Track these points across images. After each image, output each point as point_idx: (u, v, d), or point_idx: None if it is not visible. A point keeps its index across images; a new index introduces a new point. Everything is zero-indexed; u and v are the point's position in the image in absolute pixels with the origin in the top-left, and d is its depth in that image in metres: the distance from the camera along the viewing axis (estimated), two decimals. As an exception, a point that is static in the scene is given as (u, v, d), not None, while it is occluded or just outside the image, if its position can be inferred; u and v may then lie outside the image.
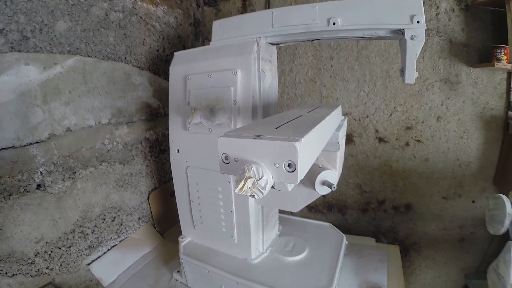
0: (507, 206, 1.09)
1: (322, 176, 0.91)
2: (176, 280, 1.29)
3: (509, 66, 1.50)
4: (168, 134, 1.20)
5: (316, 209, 1.80)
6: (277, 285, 1.03)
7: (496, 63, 1.49)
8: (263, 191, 0.38)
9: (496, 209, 1.13)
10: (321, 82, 1.65)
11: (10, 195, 0.95)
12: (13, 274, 0.97)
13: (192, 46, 1.84)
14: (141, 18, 1.46)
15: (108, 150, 1.32)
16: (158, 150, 1.63)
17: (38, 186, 1.04)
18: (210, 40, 1.91)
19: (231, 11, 1.83)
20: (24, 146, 0.99)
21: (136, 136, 1.48)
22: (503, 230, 1.09)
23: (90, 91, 1.23)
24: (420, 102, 1.65)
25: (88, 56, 1.20)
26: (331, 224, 1.47)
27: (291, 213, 1.69)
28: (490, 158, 1.70)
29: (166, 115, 1.60)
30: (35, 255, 1.06)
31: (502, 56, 1.51)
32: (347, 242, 1.39)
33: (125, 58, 1.41)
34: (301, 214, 1.79)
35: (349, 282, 1.33)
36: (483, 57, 1.61)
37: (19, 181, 0.98)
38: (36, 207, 1.04)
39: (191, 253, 1.20)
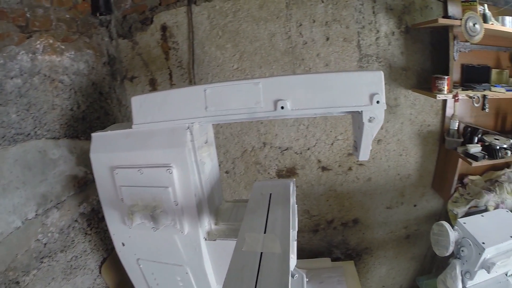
0: (451, 235, 1.34)
1: None
2: None
3: (450, 95, 1.75)
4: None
5: (271, 238, 2.05)
6: None
7: (437, 94, 1.73)
8: None
9: (441, 235, 1.42)
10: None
11: None
12: None
13: (110, 89, 1.83)
14: (45, 76, 1.38)
15: (45, 244, 1.37)
16: (97, 220, 1.73)
17: (-11, 318, 1.12)
18: (129, 79, 1.90)
19: (149, 43, 1.84)
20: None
21: (70, 216, 1.54)
22: (447, 254, 1.37)
23: (5, 189, 1.14)
24: None
25: (-10, 148, 1.15)
26: None
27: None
28: (428, 168, 2.11)
29: (96, 180, 1.66)
30: None
31: (443, 87, 1.75)
32: (307, 280, 1.61)
33: (35, 133, 1.30)
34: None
35: (315, 310, 1.65)
36: (422, 79, 1.89)
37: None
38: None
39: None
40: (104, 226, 1.76)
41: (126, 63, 1.96)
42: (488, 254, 1.25)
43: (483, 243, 1.25)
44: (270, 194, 1.02)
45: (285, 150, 1.90)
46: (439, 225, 1.41)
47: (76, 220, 1.60)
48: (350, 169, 1.97)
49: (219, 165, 1.92)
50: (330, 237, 2.20)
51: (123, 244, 1.23)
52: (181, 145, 1.00)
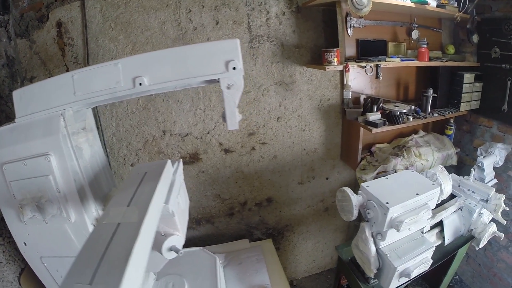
0: (353, 199, 1.38)
1: (167, 243, 1.01)
2: None
3: (340, 67, 1.87)
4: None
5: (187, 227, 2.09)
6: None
7: (327, 66, 1.84)
8: None
9: (344, 200, 1.44)
10: (155, 108, 1.87)
11: None
12: None
13: (10, 91, 1.81)
14: None
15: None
16: (8, 230, 1.70)
17: None
18: (28, 80, 1.90)
19: (46, 41, 1.85)
20: None
21: (-22, 228, 1.53)
22: (353, 218, 1.41)
23: None
24: (258, 108, 1.92)
25: None
26: (202, 248, 1.77)
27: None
28: (334, 140, 2.24)
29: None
30: None
31: (333, 59, 1.87)
32: (221, 262, 1.67)
33: None
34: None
35: (237, 292, 1.74)
36: (316, 55, 2.01)
37: None
38: None
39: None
40: (17, 235, 1.74)
41: (25, 64, 1.95)
42: (393, 213, 1.29)
43: (387, 203, 1.29)
44: (145, 172, 1.04)
45: (185, 136, 1.97)
46: (341, 191, 1.46)
47: (-14, 231, 1.56)
48: (253, 148, 2.07)
49: (124, 158, 1.96)
50: (247, 219, 2.32)
51: (25, 244, 1.23)
52: (55, 132, 1.04)
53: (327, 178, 2.32)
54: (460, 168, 2.41)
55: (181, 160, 1.27)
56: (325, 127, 2.16)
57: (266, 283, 1.74)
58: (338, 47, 1.87)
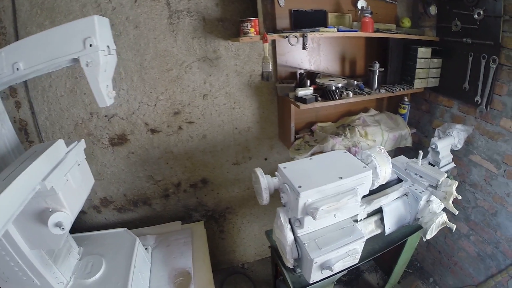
0: (262, 181, 1.26)
1: (52, 219, 1.04)
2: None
3: (257, 38, 1.76)
4: None
5: (124, 209, 2.23)
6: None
7: (242, 38, 1.75)
8: None
9: (256, 182, 1.32)
10: (81, 90, 1.92)
11: None
12: None
13: None
14: None
15: None
16: None
17: None
18: None
19: None
20: None
21: None
22: (265, 202, 1.31)
23: None
24: (182, 85, 1.90)
25: None
26: (126, 229, 1.78)
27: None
28: (270, 118, 2.14)
29: None
30: None
31: (249, 30, 1.76)
32: (141, 242, 1.70)
33: None
34: (113, 216, 2.11)
35: (160, 275, 1.71)
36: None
37: None
38: None
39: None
40: None
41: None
42: (307, 198, 1.16)
43: (300, 186, 1.16)
44: (35, 151, 1.09)
45: (111, 117, 1.98)
46: (253, 172, 1.32)
47: None
48: (180, 128, 2.05)
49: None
50: (184, 200, 2.31)
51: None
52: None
53: (265, 159, 2.25)
54: (418, 150, 2.23)
55: (83, 140, 1.30)
56: (258, 105, 2.09)
57: (188, 266, 1.74)
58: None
